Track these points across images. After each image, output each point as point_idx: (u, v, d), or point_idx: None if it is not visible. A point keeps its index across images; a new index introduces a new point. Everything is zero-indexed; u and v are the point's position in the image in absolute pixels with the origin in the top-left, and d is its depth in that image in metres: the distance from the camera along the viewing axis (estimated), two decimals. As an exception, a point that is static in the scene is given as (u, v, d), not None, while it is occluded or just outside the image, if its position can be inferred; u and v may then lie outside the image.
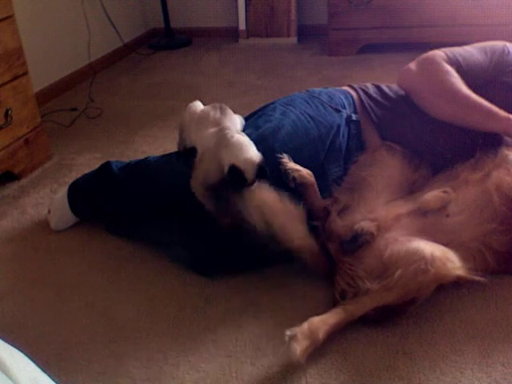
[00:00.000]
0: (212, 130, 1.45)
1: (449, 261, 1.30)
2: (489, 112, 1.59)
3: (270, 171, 1.40)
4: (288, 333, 1.23)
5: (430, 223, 1.41)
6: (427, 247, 1.31)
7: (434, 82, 1.65)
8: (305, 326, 1.25)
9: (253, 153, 1.39)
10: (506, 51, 1.71)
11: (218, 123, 1.47)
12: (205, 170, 1.41)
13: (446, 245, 1.35)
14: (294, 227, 1.39)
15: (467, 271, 1.31)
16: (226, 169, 1.36)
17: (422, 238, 1.36)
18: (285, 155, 1.51)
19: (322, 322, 1.27)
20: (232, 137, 1.42)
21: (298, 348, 1.20)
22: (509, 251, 1.41)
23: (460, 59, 1.68)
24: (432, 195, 1.44)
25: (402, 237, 1.37)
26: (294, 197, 1.50)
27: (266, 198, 1.36)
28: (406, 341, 1.31)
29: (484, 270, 1.37)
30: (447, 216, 1.42)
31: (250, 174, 1.35)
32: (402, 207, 1.45)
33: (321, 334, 1.25)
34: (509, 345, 1.28)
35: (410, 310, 1.34)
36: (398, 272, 1.28)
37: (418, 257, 1.28)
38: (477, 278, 1.32)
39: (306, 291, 1.47)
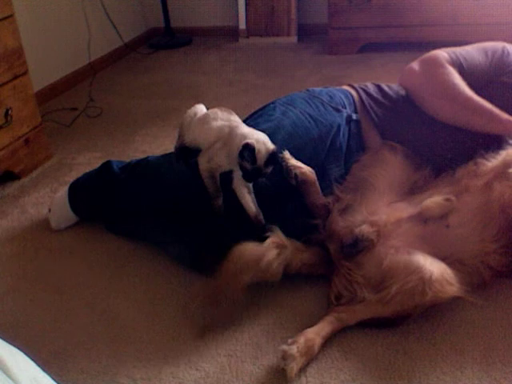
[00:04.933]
0: (223, 122, 1.46)
1: (447, 283, 1.29)
2: (491, 114, 1.58)
3: (272, 168, 1.41)
4: (285, 348, 1.23)
5: (430, 232, 1.40)
6: (426, 265, 1.29)
7: (437, 84, 1.65)
8: (301, 341, 1.25)
9: (268, 140, 1.41)
10: (506, 52, 1.71)
11: (228, 119, 1.48)
12: (215, 151, 1.43)
13: (444, 259, 1.34)
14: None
15: (464, 292, 1.31)
16: (240, 147, 1.37)
17: (421, 249, 1.35)
18: (287, 152, 1.50)
19: (317, 336, 1.27)
20: (247, 127, 1.45)
21: (295, 367, 1.22)
22: (507, 271, 1.40)
23: (462, 60, 1.68)
24: (434, 202, 1.42)
25: (403, 246, 1.36)
26: (295, 195, 1.50)
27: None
28: (406, 340, 1.31)
29: (479, 286, 1.37)
30: (447, 227, 1.40)
31: (262, 155, 1.37)
32: (403, 211, 1.44)
33: (316, 349, 1.27)
34: (509, 344, 1.28)
35: (404, 322, 1.33)
36: (395, 287, 1.28)
37: (416, 276, 1.27)
38: (472, 299, 1.31)
39: (305, 291, 1.47)
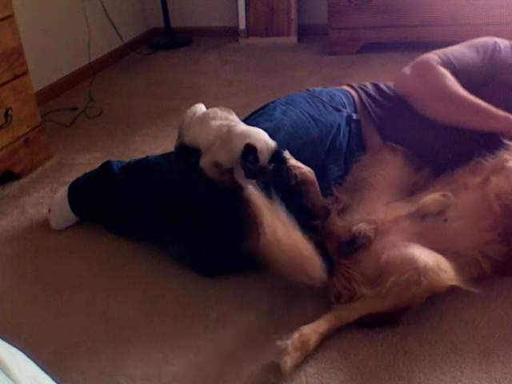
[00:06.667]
0: (221, 121, 1.46)
1: (442, 271, 1.29)
2: (487, 112, 1.58)
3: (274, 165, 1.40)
4: (279, 344, 1.24)
5: (427, 228, 1.40)
6: (422, 256, 1.30)
7: (430, 87, 1.65)
8: (295, 337, 1.25)
9: (268, 137, 1.39)
10: (498, 48, 1.70)
11: (226, 118, 1.47)
12: (215, 150, 1.41)
13: (442, 251, 1.34)
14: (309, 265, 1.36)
15: (461, 282, 1.31)
16: (241, 148, 1.34)
17: (419, 244, 1.35)
18: (287, 152, 1.50)
19: (312, 332, 1.28)
20: (245, 125, 1.43)
21: (289, 361, 1.22)
22: (507, 261, 1.39)
23: (454, 61, 1.67)
24: (431, 198, 1.42)
25: (400, 241, 1.37)
26: (294, 197, 1.50)
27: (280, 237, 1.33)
28: (406, 340, 1.31)
29: (480, 278, 1.37)
30: (445, 221, 1.40)
31: (264, 154, 1.34)
32: (401, 210, 1.44)
33: (312, 344, 1.27)
34: (509, 344, 1.28)
35: (403, 316, 1.33)
36: (391, 280, 1.28)
37: (411, 266, 1.28)
38: (471, 289, 1.31)
39: (305, 291, 1.47)
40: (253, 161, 1.34)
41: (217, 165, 1.42)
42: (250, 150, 1.34)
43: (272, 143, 1.38)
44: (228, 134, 1.41)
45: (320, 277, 1.33)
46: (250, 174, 1.38)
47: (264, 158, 1.35)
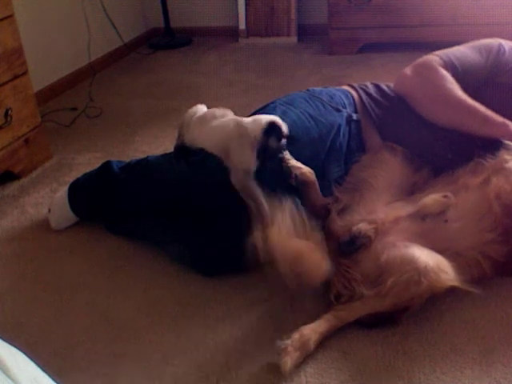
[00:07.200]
0: (222, 119, 1.46)
1: (442, 272, 1.29)
2: (484, 117, 1.58)
3: (270, 170, 1.40)
4: (279, 344, 1.24)
5: (428, 228, 1.41)
6: (422, 256, 1.30)
7: (429, 88, 1.65)
8: (296, 337, 1.25)
9: (275, 116, 1.48)
10: (502, 50, 1.70)
11: (224, 115, 1.48)
12: (239, 159, 1.42)
13: (442, 252, 1.34)
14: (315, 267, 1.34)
15: (461, 282, 1.31)
16: (264, 126, 1.42)
17: (420, 244, 1.36)
18: (287, 152, 1.50)
19: (312, 332, 1.28)
20: (247, 117, 1.47)
21: (289, 361, 1.22)
22: (507, 261, 1.40)
23: (455, 62, 1.67)
24: (432, 199, 1.43)
25: (400, 241, 1.37)
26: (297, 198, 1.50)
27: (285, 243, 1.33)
28: (406, 341, 1.31)
29: (480, 278, 1.37)
30: (446, 222, 1.41)
31: (284, 129, 1.44)
32: (401, 210, 1.44)
33: (312, 344, 1.27)
34: (509, 344, 1.28)
35: (403, 316, 1.34)
36: (391, 280, 1.28)
37: (411, 267, 1.28)
38: (471, 289, 1.31)
39: (304, 291, 1.47)
40: (278, 136, 1.41)
41: (246, 169, 1.42)
42: (273, 126, 1.42)
43: (281, 120, 1.45)
44: (238, 127, 1.43)
45: (323, 279, 1.33)
46: (272, 154, 1.43)
47: (284, 132, 1.43)
